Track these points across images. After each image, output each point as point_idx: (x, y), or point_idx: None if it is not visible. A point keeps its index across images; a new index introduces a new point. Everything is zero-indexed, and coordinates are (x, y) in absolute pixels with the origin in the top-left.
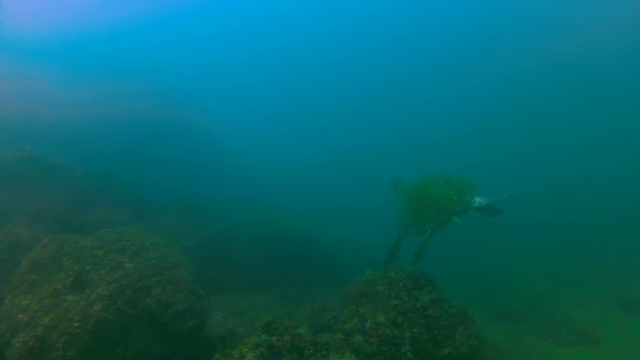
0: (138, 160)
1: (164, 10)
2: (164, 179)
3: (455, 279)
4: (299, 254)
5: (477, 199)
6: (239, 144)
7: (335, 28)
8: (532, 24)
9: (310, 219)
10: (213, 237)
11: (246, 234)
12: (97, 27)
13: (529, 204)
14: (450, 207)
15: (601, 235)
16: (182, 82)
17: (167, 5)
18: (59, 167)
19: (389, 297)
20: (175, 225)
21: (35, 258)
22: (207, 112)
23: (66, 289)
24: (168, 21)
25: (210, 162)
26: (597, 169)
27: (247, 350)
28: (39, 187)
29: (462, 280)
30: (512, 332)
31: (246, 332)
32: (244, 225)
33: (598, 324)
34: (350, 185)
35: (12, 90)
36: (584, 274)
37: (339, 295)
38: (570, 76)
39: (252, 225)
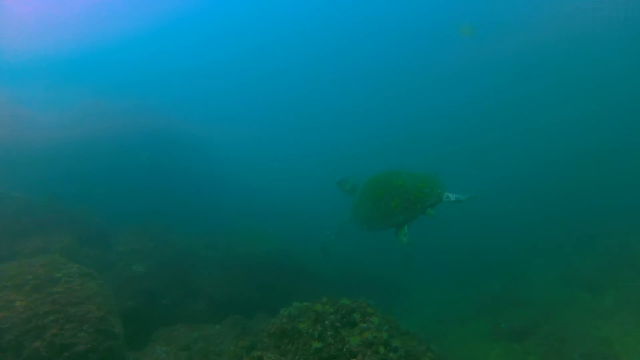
0: (111, 177)
1: (144, 22)
2: (134, 197)
3: (461, 284)
4: (271, 276)
5: (451, 195)
6: (225, 149)
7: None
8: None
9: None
10: (172, 260)
11: (214, 256)
12: (78, 46)
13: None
14: (422, 199)
15: (621, 229)
16: (161, 91)
17: (147, 17)
18: None
19: (312, 338)
20: (128, 249)
21: None
22: (191, 119)
23: None
24: (146, 33)
25: (191, 171)
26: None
27: None
28: None
29: (469, 285)
30: (515, 354)
31: None
32: (212, 246)
33: (619, 342)
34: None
35: None
36: (603, 277)
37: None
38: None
39: (221, 245)
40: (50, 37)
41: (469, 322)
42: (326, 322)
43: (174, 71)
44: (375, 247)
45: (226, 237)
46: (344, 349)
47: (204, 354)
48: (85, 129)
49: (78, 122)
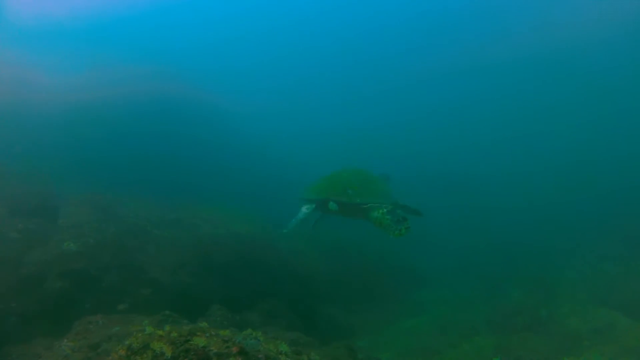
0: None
1: None
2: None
3: (479, 285)
4: (237, 264)
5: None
6: (244, 122)
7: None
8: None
9: None
10: (116, 238)
11: (169, 235)
12: (101, 13)
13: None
14: (337, 192)
15: None
16: (185, 63)
17: None
18: None
19: None
20: (69, 223)
21: None
22: (214, 90)
23: None
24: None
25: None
26: None
27: None
28: None
29: (486, 287)
30: None
31: None
32: (174, 224)
33: None
34: None
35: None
36: None
37: None
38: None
39: (185, 224)
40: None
41: (473, 336)
42: None
43: (205, 43)
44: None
45: (197, 215)
46: None
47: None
48: (88, 94)
49: (83, 88)
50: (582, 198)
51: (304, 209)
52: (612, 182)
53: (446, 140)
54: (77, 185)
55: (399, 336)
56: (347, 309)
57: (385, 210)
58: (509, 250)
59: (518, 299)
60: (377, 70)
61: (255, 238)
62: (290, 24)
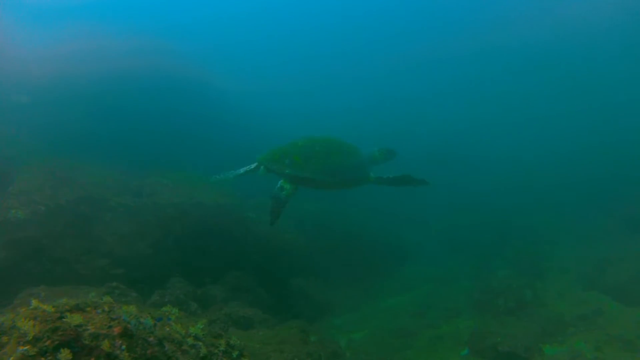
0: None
1: None
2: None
3: (467, 264)
4: (203, 236)
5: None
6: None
7: None
8: None
9: None
10: (69, 205)
11: (129, 204)
12: None
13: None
14: (271, 159)
15: None
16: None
17: None
18: None
19: None
20: (18, 189)
21: None
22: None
23: None
24: None
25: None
26: None
27: None
28: None
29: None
30: None
31: None
32: (135, 192)
33: None
34: None
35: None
36: None
37: None
38: None
39: (146, 191)
40: None
41: (454, 317)
42: None
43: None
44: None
45: (162, 183)
46: None
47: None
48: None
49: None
50: (581, 180)
51: (245, 168)
52: (611, 165)
53: (443, 121)
54: (39, 150)
55: (377, 314)
56: (325, 284)
57: (280, 182)
58: (501, 229)
59: (504, 278)
60: (378, 51)
61: (222, 208)
62: (288, 7)
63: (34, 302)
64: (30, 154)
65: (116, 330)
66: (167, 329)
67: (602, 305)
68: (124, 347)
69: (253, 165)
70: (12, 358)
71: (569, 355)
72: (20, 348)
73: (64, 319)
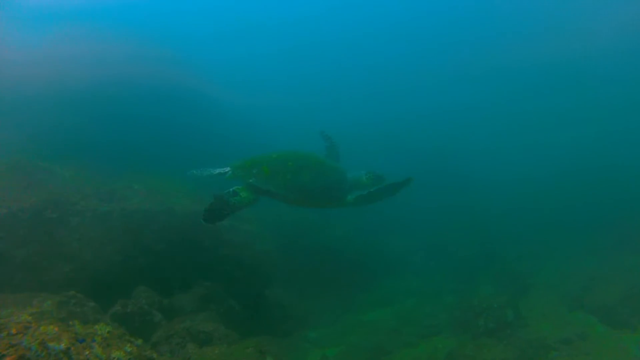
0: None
1: None
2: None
3: (451, 280)
4: (172, 243)
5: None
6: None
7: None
8: None
9: None
10: (34, 208)
11: (98, 209)
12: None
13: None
14: (239, 166)
15: None
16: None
17: None
18: None
19: None
20: None
21: None
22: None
23: None
24: None
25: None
26: None
27: None
28: None
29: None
30: None
31: None
32: (105, 197)
33: None
34: None
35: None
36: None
37: None
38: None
39: (117, 196)
40: None
41: (433, 335)
42: None
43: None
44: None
45: (135, 187)
46: None
47: None
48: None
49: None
50: (574, 197)
51: (219, 170)
52: (606, 184)
53: (442, 140)
54: (10, 151)
55: (355, 329)
56: (303, 296)
57: (235, 187)
58: (489, 244)
59: (486, 297)
60: (381, 69)
61: (193, 215)
62: (297, 19)
63: None
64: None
65: (8, 359)
66: (87, 352)
67: (588, 328)
68: None
69: (226, 169)
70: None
71: None
72: None
73: None
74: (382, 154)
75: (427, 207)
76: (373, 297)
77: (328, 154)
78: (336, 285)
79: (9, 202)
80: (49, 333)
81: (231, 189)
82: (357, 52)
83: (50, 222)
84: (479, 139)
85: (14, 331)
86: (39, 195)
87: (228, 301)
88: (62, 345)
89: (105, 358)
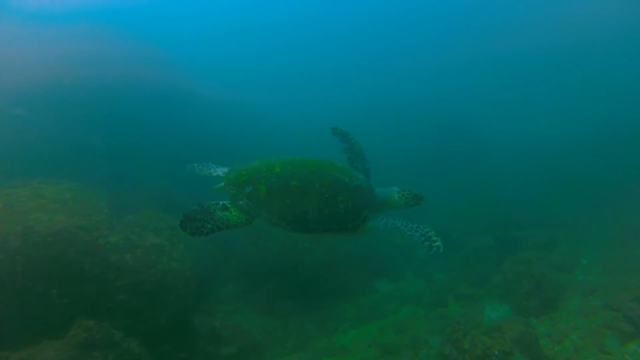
0: None
1: None
2: None
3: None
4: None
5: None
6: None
7: None
8: None
9: None
10: None
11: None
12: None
13: None
14: (233, 180)
15: None
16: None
17: None
18: None
19: None
20: None
21: None
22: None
23: None
24: None
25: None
26: None
27: None
28: None
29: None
30: None
31: None
32: None
33: None
34: None
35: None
36: None
37: None
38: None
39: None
40: None
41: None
42: None
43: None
44: None
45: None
46: None
47: None
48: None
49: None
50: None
51: (220, 171)
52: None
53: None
54: None
55: (331, 355)
56: (262, 313)
57: (225, 202)
58: (506, 238)
59: (497, 321)
60: (380, 57)
61: (64, 234)
62: (290, 18)
63: None
64: None
65: None
66: None
67: None
68: None
69: (225, 172)
70: None
71: None
72: None
73: None
74: (392, 139)
75: (438, 191)
76: (357, 308)
77: (350, 161)
78: (313, 294)
79: None
80: None
81: (222, 202)
82: (365, 37)
83: None
84: (496, 119)
85: None
86: None
87: (123, 343)
88: None
89: None
